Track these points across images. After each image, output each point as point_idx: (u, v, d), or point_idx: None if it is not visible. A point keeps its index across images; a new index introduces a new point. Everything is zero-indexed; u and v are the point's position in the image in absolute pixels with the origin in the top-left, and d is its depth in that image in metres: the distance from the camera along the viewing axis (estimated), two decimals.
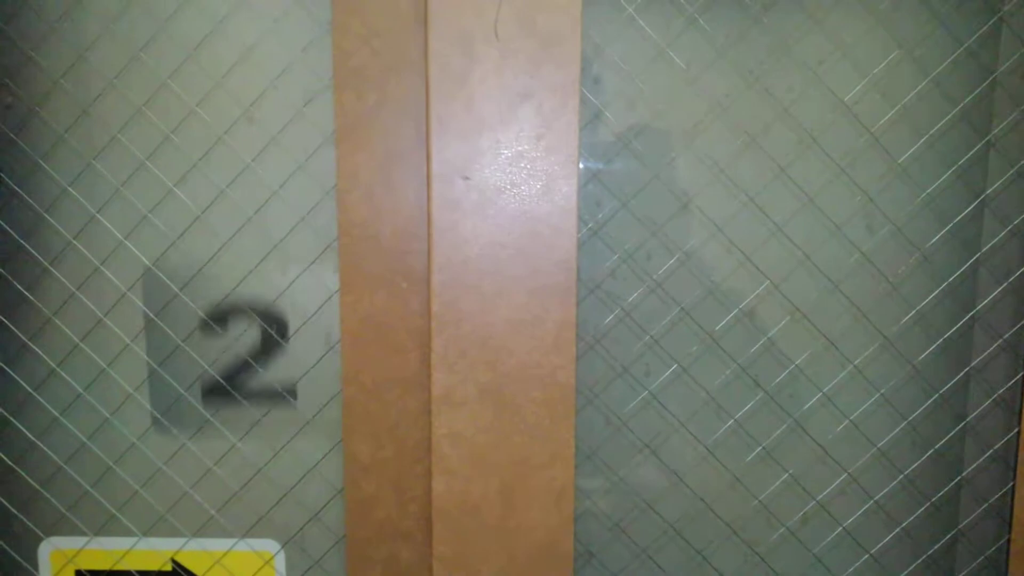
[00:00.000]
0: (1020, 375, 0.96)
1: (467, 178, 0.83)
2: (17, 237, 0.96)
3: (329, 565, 1.01)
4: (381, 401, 0.93)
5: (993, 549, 1.01)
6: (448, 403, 0.86)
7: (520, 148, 0.83)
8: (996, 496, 1.00)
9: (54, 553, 1.03)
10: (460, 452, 0.87)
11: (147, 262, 0.97)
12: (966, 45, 0.93)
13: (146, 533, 1.02)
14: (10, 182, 0.96)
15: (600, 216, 0.96)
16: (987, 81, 0.94)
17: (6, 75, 0.95)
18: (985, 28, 0.93)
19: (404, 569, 0.96)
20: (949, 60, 0.94)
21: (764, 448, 0.99)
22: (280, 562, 1.02)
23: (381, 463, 0.94)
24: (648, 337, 0.98)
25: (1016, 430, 0.95)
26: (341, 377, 0.92)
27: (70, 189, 0.96)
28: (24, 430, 1.00)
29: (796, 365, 0.98)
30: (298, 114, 0.94)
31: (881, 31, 0.94)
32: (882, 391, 0.99)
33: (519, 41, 0.82)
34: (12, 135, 0.95)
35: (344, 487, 0.95)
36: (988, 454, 0.99)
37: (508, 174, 0.83)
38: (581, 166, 0.95)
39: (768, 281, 0.97)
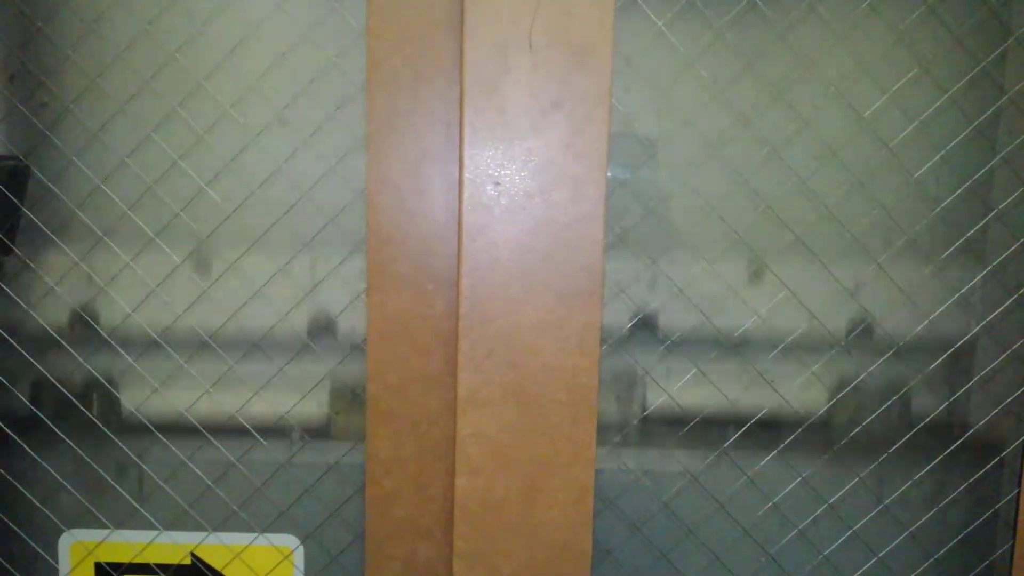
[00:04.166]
0: None
1: (498, 184, 0.85)
2: (49, 233, 0.98)
3: (347, 562, 1.03)
4: (404, 400, 0.95)
5: (997, 555, 1.03)
6: (473, 403, 0.88)
7: (550, 155, 0.85)
8: (1002, 502, 1.02)
9: (74, 545, 1.04)
10: (484, 451, 0.89)
11: (177, 259, 0.99)
12: (983, 64, 0.96)
13: (167, 527, 1.03)
14: (43, 178, 0.97)
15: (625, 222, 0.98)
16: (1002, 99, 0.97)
17: (43, 73, 0.96)
18: (1000, 50, 0.96)
19: (423, 566, 0.97)
20: (965, 79, 0.96)
21: (778, 451, 1.02)
22: (299, 558, 1.04)
23: (402, 461, 0.96)
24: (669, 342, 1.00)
25: (1022, 438, 0.97)
26: (366, 376, 0.94)
27: (102, 186, 0.97)
28: (48, 422, 1.01)
29: (812, 372, 1.01)
30: (330, 117, 0.96)
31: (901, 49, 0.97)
32: (893, 398, 1.01)
33: (552, 50, 0.84)
34: (46, 132, 0.97)
35: (365, 484, 0.96)
36: (995, 461, 1.01)
37: (538, 180, 0.85)
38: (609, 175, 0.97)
39: (787, 289, 0.99)
